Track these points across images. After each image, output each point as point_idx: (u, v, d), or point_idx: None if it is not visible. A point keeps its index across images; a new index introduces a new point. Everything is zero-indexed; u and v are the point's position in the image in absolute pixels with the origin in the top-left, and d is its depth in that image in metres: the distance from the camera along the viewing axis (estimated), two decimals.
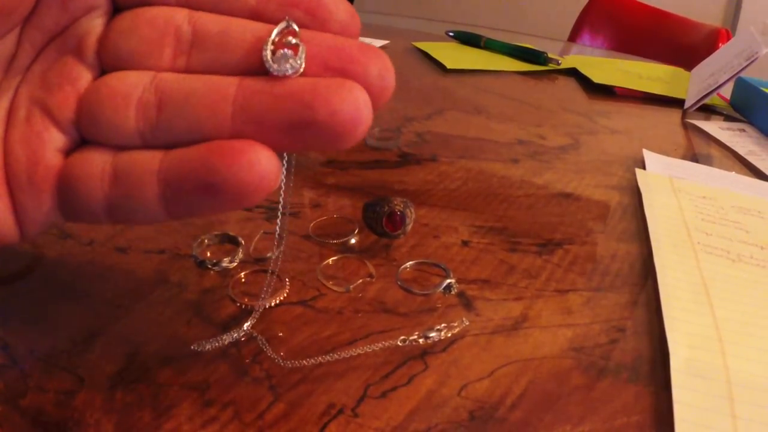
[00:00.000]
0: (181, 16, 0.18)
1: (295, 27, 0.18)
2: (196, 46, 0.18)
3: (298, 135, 0.17)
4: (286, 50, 0.17)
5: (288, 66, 0.17)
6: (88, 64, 0.19)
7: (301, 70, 0.17)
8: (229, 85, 0.17)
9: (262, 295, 0.25)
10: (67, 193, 0.19)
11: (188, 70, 0.18)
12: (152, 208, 0.18)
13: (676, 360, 0.24)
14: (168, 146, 0.18)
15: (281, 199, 0.22)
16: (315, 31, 0.18)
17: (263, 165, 0.17)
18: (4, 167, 0.19)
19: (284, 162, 0.19)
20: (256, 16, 0.18)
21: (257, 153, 0.17)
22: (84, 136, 0.19)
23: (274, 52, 0.17)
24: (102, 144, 0.19)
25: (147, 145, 0.18)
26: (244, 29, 0.18)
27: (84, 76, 0.19)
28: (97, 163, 0.18)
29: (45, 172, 0.18)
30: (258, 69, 0.18)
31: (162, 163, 0.18)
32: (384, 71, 0.18)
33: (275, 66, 0.17)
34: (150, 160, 0.18)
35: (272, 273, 0.25)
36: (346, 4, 0.19)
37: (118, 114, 0.18)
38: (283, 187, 0.21)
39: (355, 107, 0.17)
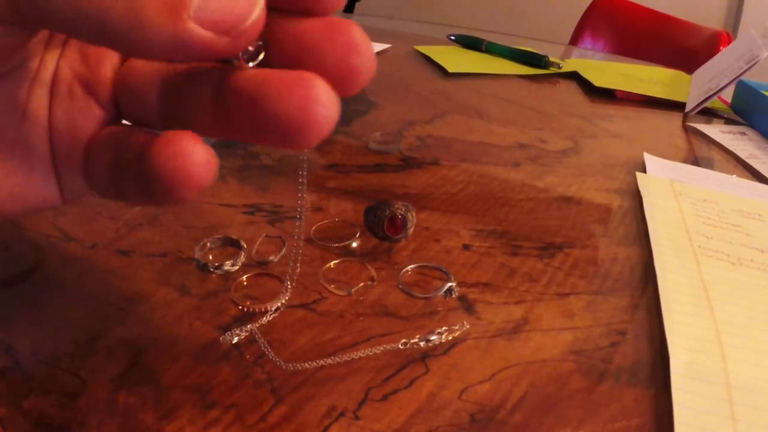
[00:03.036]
0: None
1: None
2: None
3: (254, 130, 0.16)
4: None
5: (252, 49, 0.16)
6: None
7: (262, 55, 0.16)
8: (212, 71, 0.17)
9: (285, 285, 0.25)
10: (89, 163, 0.19)
11: None
12: (132, 188, 0.18)
13: (676, 363, 0.24)
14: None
15: (300, 202, 0.22)
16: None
17: (190, 158, 0.15)
18: (49, 137, 0.19)
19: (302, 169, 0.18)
20: None
21: (186, 146, 0.16)
22: (120, 113, 0.19)
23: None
24: (132, 121, 0.19)
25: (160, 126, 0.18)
26: None
27: (117, 54, 0.19)
28: (114, 136, 0.19)
29: (81, 145, 0.19)
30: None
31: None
32: (349, 49, 0.15)
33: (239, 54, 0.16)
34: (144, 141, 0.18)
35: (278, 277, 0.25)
36: None
37: (141, 94, 0.18)
38: (300, 190, 0.21)
39: (304, 104, 0.14)
